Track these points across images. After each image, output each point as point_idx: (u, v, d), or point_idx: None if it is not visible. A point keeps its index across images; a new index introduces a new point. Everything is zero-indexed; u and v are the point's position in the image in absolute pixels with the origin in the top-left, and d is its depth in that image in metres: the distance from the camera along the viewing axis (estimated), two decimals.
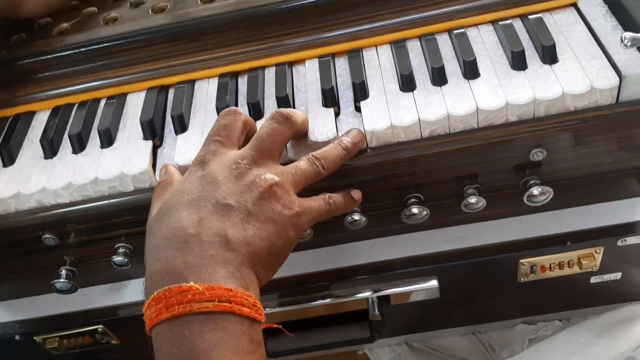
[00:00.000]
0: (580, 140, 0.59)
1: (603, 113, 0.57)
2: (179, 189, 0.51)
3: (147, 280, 0.47)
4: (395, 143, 0.59)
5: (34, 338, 0.73)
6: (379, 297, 0.68)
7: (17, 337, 0.73)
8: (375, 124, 0.58)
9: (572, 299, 0.74)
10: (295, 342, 0.73)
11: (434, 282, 0.67)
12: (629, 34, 0.54)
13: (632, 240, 0.64)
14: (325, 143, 0.58)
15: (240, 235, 0.47)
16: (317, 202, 0.54)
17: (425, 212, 0.63)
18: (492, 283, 0.70)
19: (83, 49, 0.72)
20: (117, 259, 0.66)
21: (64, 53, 0.73)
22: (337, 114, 0.61)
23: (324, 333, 0.73)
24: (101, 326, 0.72)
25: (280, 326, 0.58)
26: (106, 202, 0.62)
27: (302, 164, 0.54)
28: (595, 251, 0.66)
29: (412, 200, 0.63)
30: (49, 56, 0.73)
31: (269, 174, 0.50)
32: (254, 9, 0.68)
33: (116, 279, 0.73)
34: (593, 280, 0.70)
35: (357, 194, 0.59)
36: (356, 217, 0.63)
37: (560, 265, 0.67)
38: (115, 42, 0.72)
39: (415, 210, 0.63)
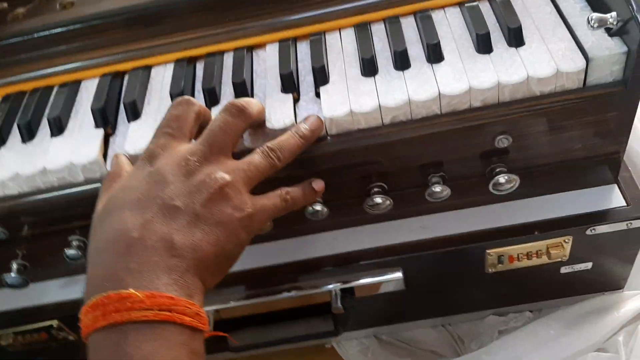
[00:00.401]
0: (547, 126, 0.57)
1: (570, 97, 0.55)
2: (126, 186, 0.49)
3: (87, 284, 0.45)
4: (355, 130, 0.56)
5: None
6: (342, 290, 0.66)
7: None
8: (334, 110, 0.55)
9: (543, 289, 0.72)
10: (258, 336, 0.71)
11: (398, 274, 0.65)
12: (595, 15, 0.51)
13: (601, 229, 0.63)
14: (283, 130, 0.55)
15: (187, 240, 0.45)
16: (272, 200, 0.52)
17: (388, 202, 0.61)
18: (458, 274, 0.68)
19: (36, 35, 0.69)
20: (71, 252, 0.63)
21: (16, 39, 0.70)
22: (296, 100, 0.59)
23: (287, 327, 0.71)
24: (56, 321, 0.69)
25: (226, 334, 0.57)
26: (56, 193, 0.60)
27: (256, 157, 0.51)
28: (564, 241, 0.64)
29: (375, 190, 0.61)
30: (1, 43, 0.70)
31: (220, 173, 0.48)
32: None
33: (71, 273, 0.70)
34: (563, 270, 0.69)
35: (318, 184, 0.57)
36: (317, 207, 0.60)
37: (529, 256, 0.65)
38: (69, 28, 0.69)
39: (378, 200, 0.61)
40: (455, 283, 0.70)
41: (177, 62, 0.65)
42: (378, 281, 0.66)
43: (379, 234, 0.66)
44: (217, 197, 0.47)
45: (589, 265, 0.68)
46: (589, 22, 0.52)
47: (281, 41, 0.64)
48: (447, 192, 0.61)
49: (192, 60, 0.65)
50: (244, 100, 0.53)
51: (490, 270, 0.67)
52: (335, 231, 0.67)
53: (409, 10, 0.63)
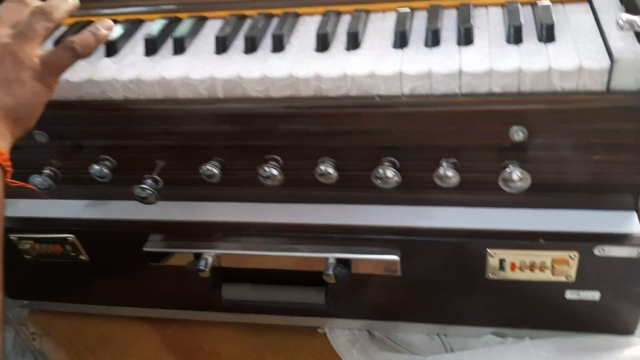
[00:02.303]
0: (565, 127, 0.57)
1: (591, 98, 0.54)
2: None
3: None
4: (375, 95, 0.58)
5: (9, 236, 0.75)
6: (337, 260, 0.66)
7: None
8: (356, 69, 0.58)
9: (546, 314, 0.70)
10: (250, 294, 0.72)
11: (395, 256, 0.65)
12: (625, 15, 0.52)
13: (610, 251, 0.61)
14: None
15: None
16: (59, 52, 0.57)
17: (397, 178, 0.62)
18: (458, 272, 0.67)
19: None
20: (96, 168, 0.68)
21: None
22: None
23: (280, 290, 0.72)
24: (72, 235, 0.74)
25: (31, 186, 0.65)
26: (95, 106, 0.65)
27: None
28: (570, 256, 0.62)
29: (386, 163, 0.62)
30: None
31: (4, 38, 0.54)
32: None
33: (94, 197, 0.75)
34: (569, 295, 0.66)
35: (106, 23, 0.61)
36: (330, 170, 0.62)
37: (532, 267, 0.64)
38: None
39: (388, 172, 0.62)
40: (453, 283, 0.69)
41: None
42: (374, 258, 0.66)
43: (384, 213, 0.67)
44: (4, 59, 0.53)
45: (596, 295, 0.65)
46: (618, 23, 0.53)
47: (325, 13, 0.67)
48: (457, 178, 0.61)
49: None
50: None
51: (491, 275, 0.66)
52: (342, 204, 0.68)
53: (454, 4, 0.65)
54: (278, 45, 0.63)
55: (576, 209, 0.63)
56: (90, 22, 0.71)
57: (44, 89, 0.56)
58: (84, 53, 0.58)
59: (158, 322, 0.84)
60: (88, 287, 0.82)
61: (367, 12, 0.66)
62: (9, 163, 0.52)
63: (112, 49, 0.67)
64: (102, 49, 0.67)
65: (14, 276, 0.82)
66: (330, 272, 0.66)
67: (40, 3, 0.59)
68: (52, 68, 0.56)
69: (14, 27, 0.56)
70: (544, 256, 0.63)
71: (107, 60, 0.65)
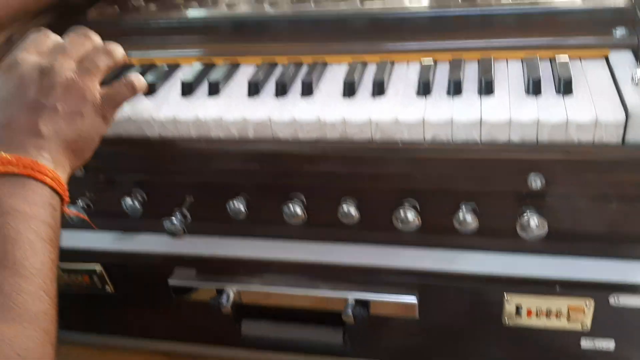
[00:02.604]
0: (582, 177, 0.59)
1: (607, 150, 0.57)
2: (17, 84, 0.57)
3: None
4: (398, 140, 0.61)
5: None
6: (357, 300, 0.68)
7: None
8: (381, 115, 0.61)
9: None
10: (269, 330, 0.74)
11: (413, 298, 0.67)
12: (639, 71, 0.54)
13: (626, 300, 0.62)
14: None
15: (51, 126, 0.55)
16: (116, 88, 0.60)
17: (417, 221, 0.64)
18: (475, 317, 0.68)
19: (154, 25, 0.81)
20: (128, 202, 0.71)
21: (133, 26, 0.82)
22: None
23: (298, 328, 0.73)
24: (99, 266, 0.76)
25: (84, 216, 0.67)
26: (132, 143, 0.68)
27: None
28: (586, 304, 0.63)
29: (407, 205, 0.64)
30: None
31: (69, 73, 0.57)
32: None
33: (125, 229, 0.77)
34: (584, 343, 0.67)
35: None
36: (352, 211, 0.65)
37: (548, 314, 0.65)
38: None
39: (409, 215, 0.64)
40: (470, 328, 0.69)
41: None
42: (393, 300, 0.68)
43: (403, 255, 0.69)
44: (70, 94, 0.56)
45: (611, 344, 0.66)
46: (633, 79, 0.55)
47: (352, 62, 0.71)
48: (475, 224, 0.63)
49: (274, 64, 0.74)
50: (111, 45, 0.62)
51: (507, 322, 0.67)
52: (363, 245, 0.70)
53: (475, 57, 0.68)
54: (307, 91, 0.66)
55: (592, 257, 0.65)
56: (131, 64, 0.76)
57: (103, 122, 0.59)
58: (140, 90, 0.62)
59: (177, 357, 0.86)
60: (111, 318, 0.84)
61: (392, 62, 0.70)
62: (67, 193, 0.55)
63: (150, 89, 0.71)
64: None
65: None
66: (349, 312, 0.67)
67: (100, 40, 0.64)
68: (111, 102, 0.60)
69: (78, 61, 0.59)
70: (560, 303, 0.64)
71: (146, 100, 0.69)
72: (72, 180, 0.71)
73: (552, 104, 0.59)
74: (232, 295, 0.71)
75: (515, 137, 0.59)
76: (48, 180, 0.52)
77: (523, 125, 0.58)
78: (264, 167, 0.66)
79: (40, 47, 0.61)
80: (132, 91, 0.62)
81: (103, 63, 0.60)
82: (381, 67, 0.68)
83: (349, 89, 0.65)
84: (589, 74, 0.63)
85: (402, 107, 0.61)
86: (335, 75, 0.70)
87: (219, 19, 0.79)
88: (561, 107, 0.58)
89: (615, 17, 0.67)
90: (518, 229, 0.62)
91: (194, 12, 0.81)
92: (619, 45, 0.65)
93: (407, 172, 0.62)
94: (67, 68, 0.58)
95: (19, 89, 0.56)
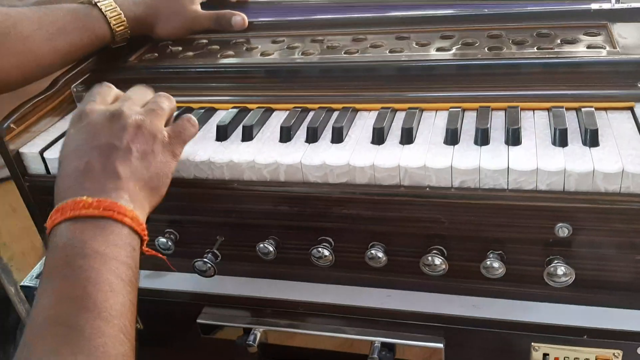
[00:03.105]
0: (608, 226, 0.59)
1: (634, 200, 0.57)
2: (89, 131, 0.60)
3: (54, 200, 0.56)
4: (426, 186, 0.62)
5: None
6: (382, 344, 0.68)
7: None
8: (409, 161, 0.62)
9: None
10: None
11: (440, 344, 0.67)
12: None
13: None
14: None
15: (126, 167, 0.57)
16: (179, 127, 0.63)
17: (444, 266, 0.65)
18: None
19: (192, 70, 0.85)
20: (162, 240, 0.73)
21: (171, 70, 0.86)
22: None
23: None
24: None
25: (164, 257, 0.66)
26: None
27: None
28: (614, 355, 0.63)
29: (435, 251, 0.65)
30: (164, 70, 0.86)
31: (136, 115, 0.60)
32: None
33: (156, 267, 0.79)
34: None
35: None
36: (379, 254, 0.66)
37: None
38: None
39: (437, 260, 0.65)
40: None
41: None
42: (419, 345, 0.68)
43: (430, 301, 0.69)
44: (141, 134, 0.59)
45: None
46: None
47: (381, 109, 0.73)
48: (502, 270, 0.63)
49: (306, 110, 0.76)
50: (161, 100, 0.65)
51: None
52: (391, 289, 0.71)
53: (502, 107, 0.70)
54: (337, 137, 0.68)
55: (621, 307, 0.64)
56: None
57: (172, 158, 0.61)
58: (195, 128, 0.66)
59: None
60: (139, 355, 0.84)
61: (421, 110, 0.72)
62: (146, 232, 0.57)
63: None
64: None
65: None
66: (376, 356, 0.68)
67: None
68: (179, 139, 0.62)
69: (143, 106, 0.63)
70: (588, 353, 0.64)
71: None
72: None
73: (578, 154, 0.60)
74: (259, 335, 0.72)
75: (542, 186, 0.60)
76: (127, 220, 0.54)
77: (550, 174, 0.59)
78: (293, 209, 0.67)
79: (105, 97, 0.64)
80: (195, 127, 0.65)
81: (166, 105, 0.64)
82: (410, 115, 0.70)
83: (378, 136, 0.67)
84: (615, 125, 0.64)
85: (430, 154, 0.63)
86: (365, 122, 0.72)
87: (254, 66, 0.82)
88: (588, 158, 0.59)
89: None
90: (545, 277, 0.62)
91: (230, 60, 0.85)
92: None
93: (435, 218, 0.64)
94: (135, 111, 0.61)
95: (91, 136, 0.58)
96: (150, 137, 0.59)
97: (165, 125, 0.63)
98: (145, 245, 0.57)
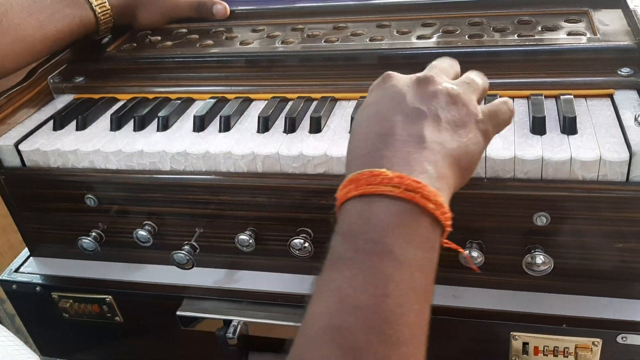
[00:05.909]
0: (587, 214, 0.59)
1: (611, 188, 0.57)
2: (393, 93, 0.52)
3: (346, 166, 0.50)
4: None
5: (52, 293, 0.79)
6: None
7: (37, 289, 0.80)
8: None
9: None
10: None
11: None
12: None
13: (634, 339, 0.61)
14: None
15: (435, 136, 0.47)
16: (496, 106, 0.53)
17: None
18: (481, 355, 0.68)
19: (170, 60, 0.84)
20: (141, 233, 0.72)
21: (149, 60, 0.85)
22: None
23: None
24: (110, 297, 0.77)
25: (461, 249, 0.52)
26: (144, 176, 0.70)
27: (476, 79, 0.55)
28: (594, 343, 0.62)
29: None
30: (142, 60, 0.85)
31: (451, 85, 0.51)
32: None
33: (136, 260, 0.78)
34: None
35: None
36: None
37: (555, 352, 0.64)
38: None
39: None
40: None
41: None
42: None
43: None
44: (453, 104, 0.50)
45: None
46: (636, 119, 0.56)
47: (360, 98, 0.72)
48: (481, 259, 0.63)
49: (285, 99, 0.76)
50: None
51: None
52: None
53: None
54: (316, 127, 0.68)
55: (600, 295, 0.64)
56: (146, 99, 0.78)
57: (484, 139, 0.51)
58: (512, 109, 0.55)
59: None
60: (120, 347, 0.84)
61: None
62: (450, 222, 0.45)
63: (163, 124, 0.72)
64: (154, 124, 0.73)
65: (50, 334, 0.86)
66: None
67: None
68: (493, 120, 0.52)
69: (453, 77, 0.55)
70: (568, 342, 0.63)
71: (158, 135, 0.71)
72: (86, 211, 0.74)
73: (556, 142, 0.59)
74: (239, 328, 0.71)
75: (520, 174, 0.59)
76: (430, 206, 0.43)
77: (527, 162, 0.58)
78: (271, 200, 0.67)
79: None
80: (512, 112, 0.54)
81: (480, 81, 0.55)
82: None
83: None
84: (594, 113, 0.63)
85: None
86: (344, 111, 0.71)
87: (233, 55, 0.81)
88: (565, 146, 0.59)
89: (620, 56, 0.68)
90: (524, 266, 0.62)
91: (209, 50, 0.84)
92: (624, 85, 0.66)
93: None
94: (445, 79, 0.52)
95: (395, 98, 0.51)
96: (463, 109, 0.50)
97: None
98: (446, 237, 0.46)
